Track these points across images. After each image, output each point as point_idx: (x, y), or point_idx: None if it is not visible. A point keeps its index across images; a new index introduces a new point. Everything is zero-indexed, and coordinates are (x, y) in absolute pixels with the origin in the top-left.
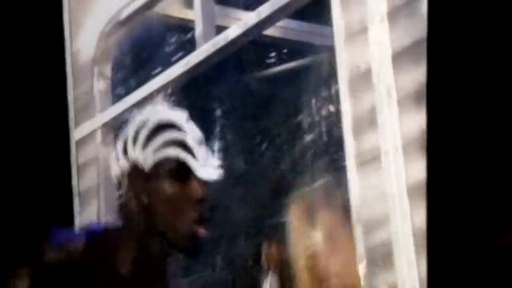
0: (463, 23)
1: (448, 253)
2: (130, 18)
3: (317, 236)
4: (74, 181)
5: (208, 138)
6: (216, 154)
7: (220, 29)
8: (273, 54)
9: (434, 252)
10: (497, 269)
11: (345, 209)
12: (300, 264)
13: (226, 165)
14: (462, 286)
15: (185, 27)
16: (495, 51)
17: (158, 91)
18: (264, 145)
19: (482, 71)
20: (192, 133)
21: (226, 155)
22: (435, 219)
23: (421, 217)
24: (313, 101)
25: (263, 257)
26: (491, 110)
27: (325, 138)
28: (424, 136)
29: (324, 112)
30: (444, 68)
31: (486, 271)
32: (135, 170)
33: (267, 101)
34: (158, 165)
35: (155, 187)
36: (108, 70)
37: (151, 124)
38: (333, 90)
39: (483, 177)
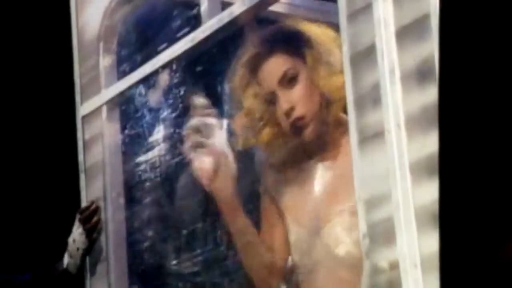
0: None
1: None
2: None
3: None
4: (81, 157)
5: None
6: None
7: (225, 5)
8: None
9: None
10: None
11: None
12: None
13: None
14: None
15: (191, 3)
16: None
17: (163, 67)
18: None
19: (496, 45)
20: None
21: (229, 131)
22: (448, 195)
23: (423, 195)
24: None
25: None
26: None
27: None
28: (427, 114)
29: None
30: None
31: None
32: None
33: None
34: None
35: None
36: (113, 46)
37: None
38: None
39: (501, 150)
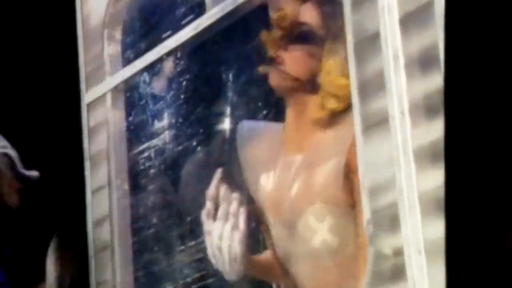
0: None
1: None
2: None
3: None
4: (85, 144)
5: (217, 101)
6: (225, 118)
7: None
8: None
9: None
10: None
11: None
12: None
13: (233, 128)
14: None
15: None
16: None
17: (167, 54)
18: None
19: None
20: None
21: (233, 118)
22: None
23: (427, 181)
24: None
25: None
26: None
27: None
28: (431, 100)
29: None
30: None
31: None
32: None
33: None
34: None
35: None
36: (118, 33)
37: None
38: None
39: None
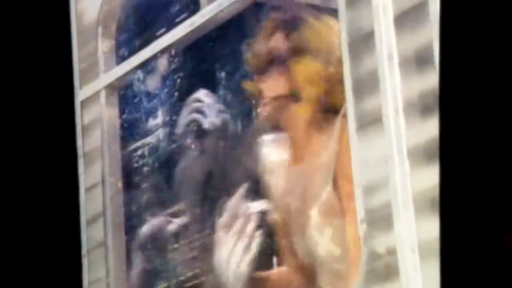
0: None
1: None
2: None
3: None
4: (79, 142)
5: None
6: (218, 115)
7: None
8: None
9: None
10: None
11: None
12: None
13: (226, 126)
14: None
15: None
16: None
17: (162, 52)
18: None
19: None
20: None
21: (227, 115)
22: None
23: (421, 180)
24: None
25: None
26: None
27: None
28: (425, 99)
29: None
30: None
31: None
32: None
33: None
34: None
35: None
36: (112, 31)
37: None
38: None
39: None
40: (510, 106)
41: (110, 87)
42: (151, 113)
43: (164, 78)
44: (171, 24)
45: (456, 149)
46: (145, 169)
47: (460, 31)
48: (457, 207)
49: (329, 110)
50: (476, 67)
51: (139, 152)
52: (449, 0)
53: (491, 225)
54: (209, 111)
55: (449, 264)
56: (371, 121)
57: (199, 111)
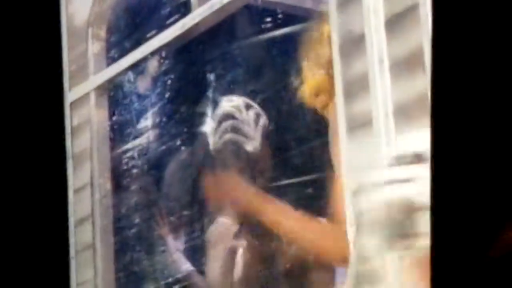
0: None
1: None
2: None
3: None
4: (68, 143)
5: (201, 101)
6: (209, 119)
7: None
8: (268, 19)
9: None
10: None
11: None
12: None
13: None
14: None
15: None
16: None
17: (152, 53)
18: None
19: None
20: None
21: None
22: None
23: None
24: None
25: None
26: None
27: None
28: (416, 104)
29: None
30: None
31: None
32: None
33: (260, 66)
34: None
35: None
36: (102, 32)
37: None
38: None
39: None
40: (504, 109)
41: (100, 89)
42: (141, 115)
43: (155, 80)
44: (162, 26)
45: (447, 152)
46: (135, 171)
47: (452, 35)
48: (450, 212)
49: None
50: (468, 71)
51: (128, 154)
52: (441, 4)
53: (486, 223)
54: (250, 130)
55: (441, 262)
56: (361, 124)
57: (235, 129)
